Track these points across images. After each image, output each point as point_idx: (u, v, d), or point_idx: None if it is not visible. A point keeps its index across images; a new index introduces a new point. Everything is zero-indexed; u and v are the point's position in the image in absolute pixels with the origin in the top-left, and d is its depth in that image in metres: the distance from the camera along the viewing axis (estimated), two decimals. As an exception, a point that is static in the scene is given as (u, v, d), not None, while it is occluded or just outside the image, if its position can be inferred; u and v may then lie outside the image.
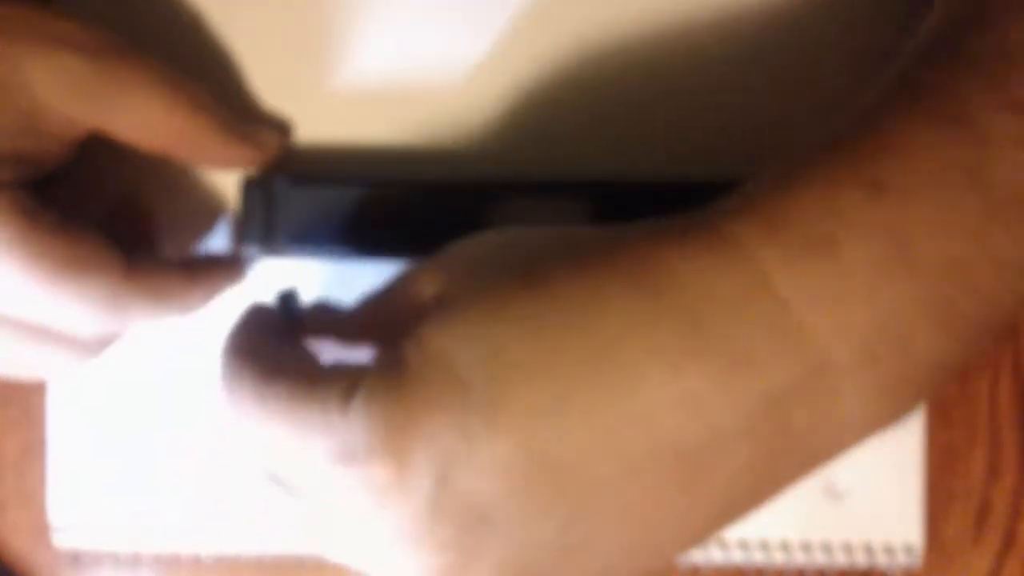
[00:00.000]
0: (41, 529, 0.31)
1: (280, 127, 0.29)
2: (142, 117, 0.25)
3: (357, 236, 0.28)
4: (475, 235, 0.23)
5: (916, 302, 0.19)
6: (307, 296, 0.26)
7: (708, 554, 0.30)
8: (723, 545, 0.30)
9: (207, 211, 0.30)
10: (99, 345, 0.26)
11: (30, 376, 0.26)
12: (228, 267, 0.28)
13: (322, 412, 0.19)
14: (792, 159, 0.20)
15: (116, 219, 0.28)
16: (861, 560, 0.30)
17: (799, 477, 0.20)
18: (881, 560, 0.30)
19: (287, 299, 0.24)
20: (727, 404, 0.18)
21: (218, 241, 0.30)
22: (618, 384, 0.18)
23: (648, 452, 0.19)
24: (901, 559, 0.29)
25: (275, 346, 0.22)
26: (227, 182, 0.30)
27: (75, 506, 0.30)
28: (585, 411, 0.18)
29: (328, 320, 0.24)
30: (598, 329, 0.19)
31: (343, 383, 0.20)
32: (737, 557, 0.30)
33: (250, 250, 0.28)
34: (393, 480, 0.19)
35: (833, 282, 0.18)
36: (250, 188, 0.28)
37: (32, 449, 0.31)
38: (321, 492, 0.20)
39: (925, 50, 0.21)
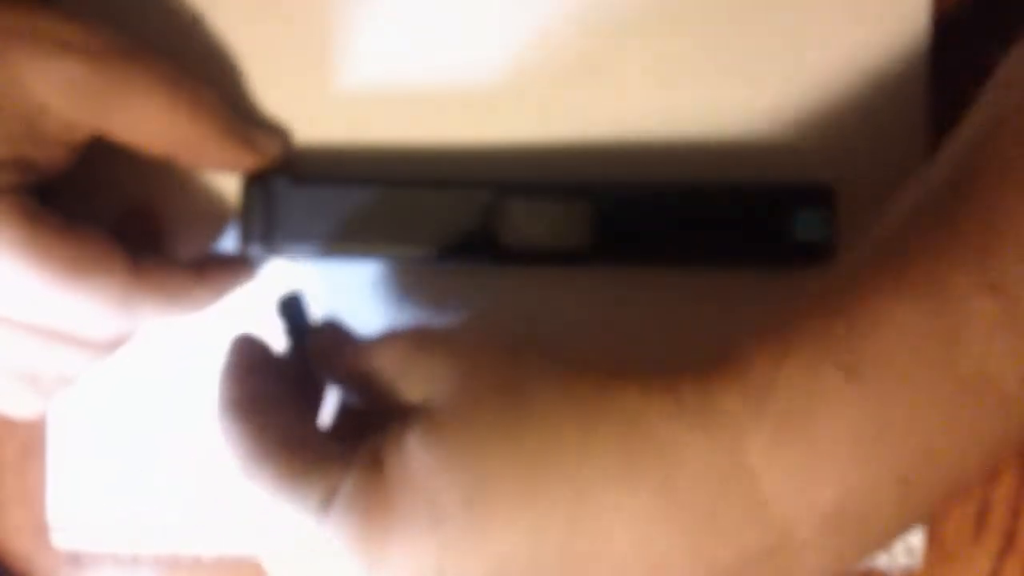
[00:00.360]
0: (41, 529, 0.31)
1: (280, 132, 0.29)
2: (143, 121, 0.25)
3: (357, 236, 0.28)
4: (475, 335, 0.23)
5: (882, 482, 0.20)
6: (307, 296, 0.26)
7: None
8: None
9: (216, 212, 0.30)
10: (110, 346, 0.26)
11: (31, 411, 0.27)
12: (237, 266, 0.28)
13: (303, 511, 0.20)
14: (785, 321, 0.21)
15: (123, 221, 0.28)
16: (861, 560, 0.30)
17: None
18: (881, 560, 0.30)
19: (290, 304, 0.24)
20: (691, 567, 0.20)
21: (230, 243, 0.30)
22: (589, 536, 0.20)
23: None
24: (901, 559, 0.30)
25: (263, 406, 0.22)
26: (233, 183, 0.30)
27: (75, 506, 0.30)
28: (554, 554, 0.20)
29: (330, 346, 0.24)
30: (577, 478, 0.20)
31: (324, 486, 0.21)
32: (737, 557, 0.30)
33: (254, 250, 0.28)
34: None
35: (805, 461, 0.20)
36: (251, 188, 0.28)
37: (32, 449, 0.31)
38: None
39: (915, 214, 0.21)
